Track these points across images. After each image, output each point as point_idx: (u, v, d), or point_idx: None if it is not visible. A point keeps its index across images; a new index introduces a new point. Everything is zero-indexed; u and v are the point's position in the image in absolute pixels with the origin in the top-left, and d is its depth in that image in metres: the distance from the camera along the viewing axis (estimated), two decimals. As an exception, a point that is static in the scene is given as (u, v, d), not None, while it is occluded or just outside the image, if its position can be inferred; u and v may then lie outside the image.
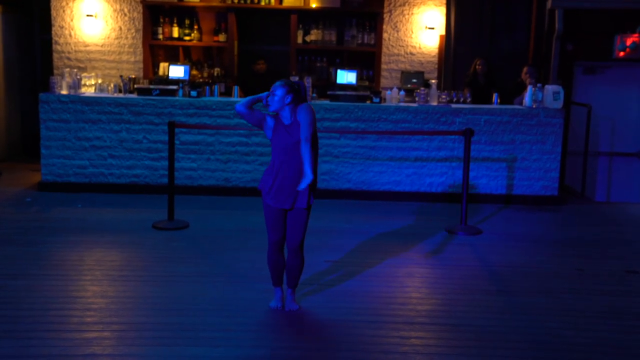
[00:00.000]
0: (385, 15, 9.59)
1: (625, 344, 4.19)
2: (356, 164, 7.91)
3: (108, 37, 9.67)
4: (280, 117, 4.37)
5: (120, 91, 8.24)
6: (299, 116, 4.27)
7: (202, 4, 9.38)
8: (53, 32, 9.67)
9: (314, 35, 9.54)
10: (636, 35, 9.22)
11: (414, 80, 9.09)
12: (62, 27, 9.65)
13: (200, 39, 9.59)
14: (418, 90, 8.09)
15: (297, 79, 8.05)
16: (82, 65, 9.66)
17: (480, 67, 8.70)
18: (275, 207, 4.39)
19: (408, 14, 9.66)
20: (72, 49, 9.69)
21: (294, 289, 4.58)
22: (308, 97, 7.89)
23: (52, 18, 9.65)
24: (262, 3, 9.33)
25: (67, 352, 3.87)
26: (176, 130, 7.11)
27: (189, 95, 7.91)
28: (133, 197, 7.75)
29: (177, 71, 8.12)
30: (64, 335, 4.08)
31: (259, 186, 4.46)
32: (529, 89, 7.98)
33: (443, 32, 9.57)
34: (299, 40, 9.51)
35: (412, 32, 9.68)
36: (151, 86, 8.08)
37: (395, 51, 9.72)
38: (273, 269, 4.56)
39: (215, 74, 9.56)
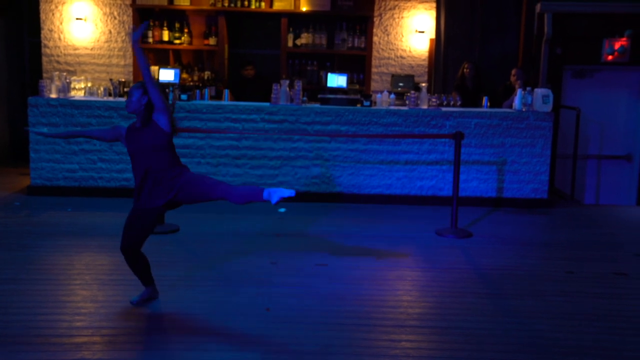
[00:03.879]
0: (375, 19, 9.61)
1: (615, 346, 4.21)
2: (347, 168, 7.92)
3: (98, 41, 9.64)
4: (135, 123, 4.44)
5: (110, 95, 8.22)
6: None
7: (192, 7, 9.38)
8: (42, 36, 9.64)
9: (305, 39, 9.56)
10: (624, 39, 9.29)
11: (401, 84, 9.12)
12: (51, 31, 9.62)
13: (190, 43, 9.58)
14: (408, 94, 8.11)
15: (287, 82, 8.06)
16: (71, 68, 9.63)
17: (468, 70, 8.74)
18: (153, 207, 4.38)
19: (398, 17, 9.69)
20: (61, 52, 9.66)
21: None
22: (298, 100, 7.90)
23: (41, 21, 9.61)
24: (253, 7, 9.34)
25: (56, 357, 3.85)
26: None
27: (179, 99, 7.89)
28: (123, 201, 7.70)
29: (167, 75, 8.10)
30: (53, 340, 4.05)
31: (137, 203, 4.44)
32: (519, 92, 8.02)
33: (433, 36, 9.61)
34: (290, 43, 9.53)
35: (403, 35, 9.71)
36: (141, 90, 8.04)
37: (386, 55, 9.75)
38: (144, 269, 4.57)
39: (206, 77, 9.55)
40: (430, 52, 9.69)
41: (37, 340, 4.04)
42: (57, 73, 8.05)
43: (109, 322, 4.36)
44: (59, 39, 9.63)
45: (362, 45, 9.60)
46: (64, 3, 9.56)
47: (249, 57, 9.48)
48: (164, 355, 3.92)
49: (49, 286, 4.97)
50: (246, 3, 9.33)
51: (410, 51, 9.75)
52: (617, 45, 9.30)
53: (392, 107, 7.98)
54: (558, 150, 9.23)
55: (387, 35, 9.73)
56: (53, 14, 9.59)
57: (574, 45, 9.42)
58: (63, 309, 4.58)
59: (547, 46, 9.37)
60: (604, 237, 6.88)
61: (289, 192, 4.13)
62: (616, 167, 9.76)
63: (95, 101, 7.82)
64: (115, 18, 9.61)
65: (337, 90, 8.18)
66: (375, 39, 9.67)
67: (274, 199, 4.15)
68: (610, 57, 9.39)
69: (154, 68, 9.25)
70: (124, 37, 9.62)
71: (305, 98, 8.14)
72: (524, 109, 7.94)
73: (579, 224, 7.42)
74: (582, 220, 7.57)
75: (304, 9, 9.38)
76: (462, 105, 8.33)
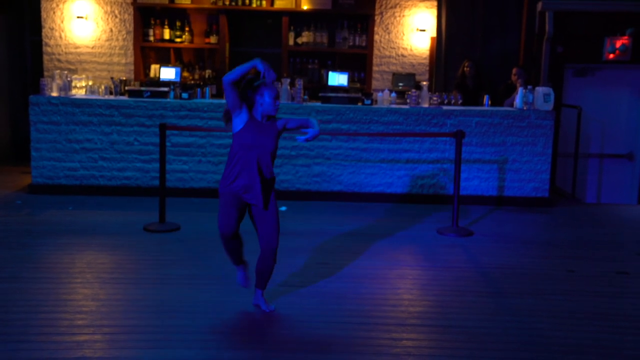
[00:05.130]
0: (376, 17, 9.61)
1: (615, 345, 4.21)
2: (348, 166, 7.92)
3: (99, 39, 9.65)
4: (254, 113, 4.31)
5: (111, 93, 8.22)
6: (287, 121, 4.37)
7: (193, 5, 9.38)
8: (43, 34, 9.64)
9: (306, 37, 9.55)
10: (625, 37, 9.29)
11: (402, 83, 9.11)
12: (52, 29, 9.62)
13: (191, 41, 9.58)
14: (409, 92, 8.11)
15: (288, 80, 8.06)
16: (72, 67, 9.63)
17: (468, 69, 8.74)
18: (237, 195, 4.30)
19: (399, 15, 9.68)
20: (62, 50, 9.66)
21: (264, 290, 4.57)
22: (299, 99, 7.90)
23: (42, 20, 9.62)
24: (254, 5, 9.33)
25: (57, 355, 3.86)
26: (167, 132, 7.10)
27: (181, 97, 7.89)
28: (124, 199, 7.73)
29: (168, 73, 8.10)
30: (55, 339, 4.06)
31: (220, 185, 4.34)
32: (520, 90, 8.01)
33: (434, 34, 9.60)
34: (291, 42, 9.53)
35: (404, 34, 9.71)
36: (142, 88, 8.07)
37: (387, 53, 9.74)
38: (236, 251, 4.54)
39: (207, 76, 9.56)
40: (431, 50, 9.69)
41: (38, 339, 4.05)
42: (58, 71, 8.05)
43: (110, 321, 4.37)
44: (60, 37, 9.64)
45: (363, 44, 9.60)
46: (64, 1, 9.57)
47: (250, 56, 9.44)
48: (165, 354, 3.92)
49: (50, 284, 4.98)
50: (247, 1, 9.33)
51: (411, 50, 9.74)
52: (618, 44, 9.29)
53: (393, 106, 7.98)
54: (559, 149, 9.23)
55: (388, 33, 9.72)
56: (54, 13, 9.59)
57: (575, 44, 9.42)
58: (64, 307, 4.59)
59: (548, 44, 9.36)
60: (605, 236, 6.88)
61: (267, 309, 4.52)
62: (618, 166, 9.76)
63: (97, 99, 7.82)
64: (116, 16, 9.61)
65: (338, 88, 8.18)
66: (376, 37, 9.66)
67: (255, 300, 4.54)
68: (611, 56, 9.38)
69: (155, 67, 9.27)
70: (125, 36, 9.62)
71: (306, 97, 8.14)
72: (525, 108, 7.93)
73: (580, 222, 7.42)
74: (583, 219, 7.57)
75: (305, 7, 9.38)
76: (462, 104, 8.33)
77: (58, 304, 4.64)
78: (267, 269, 4.46)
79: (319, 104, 7.95)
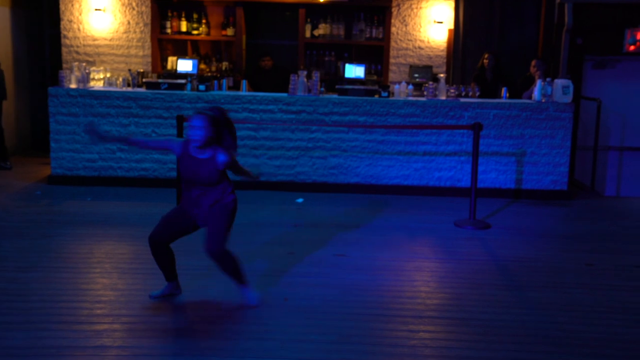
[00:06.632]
0: (393, 9, 9.56)
1: (634, 339, 4.18)
2: (364, 158, 7.91)
3: (116, 31, 9.69)
4: (190, 149, 4.32)
5: (128, 85, 8.26)
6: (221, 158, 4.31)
7: (210, -2, 9.38)
8: (62, 27, 9.70)
9: (322, 30, 9.53)
10: (646, 29, 9.16)
11: (419, 75, 9.07)
12: (70, 22, 9.68)
13: (208, 33, 9.59)
14: (426, 85, 8.07)
15: (305, 73, 8.05)
16: (90, 59, 9.68)
17: (487, 61, 8.67)
18: (189, 212, 4.45)
19: (416, 7, 9.63)
20: (80, 43, 9.72)
21: (243, 284, 4.56)
22: (316, 91, 7.88)
23: (61, 12, 9.67)
24: (271, -3, 9.32)
25: (77, 343, 3.90)
26: (184, 124, 7.12)
27: (197, 90, 7.92)
28: (142, 190, 7.78)
29: (185, 65, 8.13)
30: (75, 327, 4.11)
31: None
32: (539, 83, 7.94)
33: (452, 26, 9.54)
34: (307, 34, 9.51)
35: (421, 26, 9.65)
36: (160, 80, 8.10)
37: (404, 45, 9.69)
38: (170, 264, 4.61)
39: (224, 68, 9.57)
40: (448, 42, 9.63)
41: (58, 327, 4.10)
42: (76, 64, 8.10)
43: (129, 310, 4.41)
44: (78, 29, 9.69)
45: (380, 36, 9.56)
46: (83, -6, 9.62)
47: (266, 48, 9.47)
48: (183, 343, 3.95)
49: (69, 274, 5.03)
50: (264, -7, 9.32)
51: (428, 42, 9.68)
52: (639, 35, 9.17)
53: (410, 98, 7.95)
54: (578, 142, 9.14)
55: (405, 25, 9.67)
56: (72, 5, 9.64)
57: (594, 35, 9.30)
58: (83, 296, 4.63)
59: (567, 36, 9.26)
60: (624, 229, 6.82)
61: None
62: (638, 159, 9.63)
63: (114, 91, 7.86)
64: (133, 9, 9.65)
65: (354, 81, 8.16)
66: (393, 29, 9.62)
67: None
68: (632, 47, 9.25)
69: (172, 59, 9.30)
70: (142, 28, 9.65)
71: (322, 89, 8.13)
72: (543, 100, 7.87)
73: (599, 215, 7.36)
74: (602, 212, 7.51)
75: (321, -1, 9.35)
76: (480, 96, 8.27)
77: (77, 293, 4.69)
78: (222, 269, 4.46)
79: (335, 96, 7.94)
